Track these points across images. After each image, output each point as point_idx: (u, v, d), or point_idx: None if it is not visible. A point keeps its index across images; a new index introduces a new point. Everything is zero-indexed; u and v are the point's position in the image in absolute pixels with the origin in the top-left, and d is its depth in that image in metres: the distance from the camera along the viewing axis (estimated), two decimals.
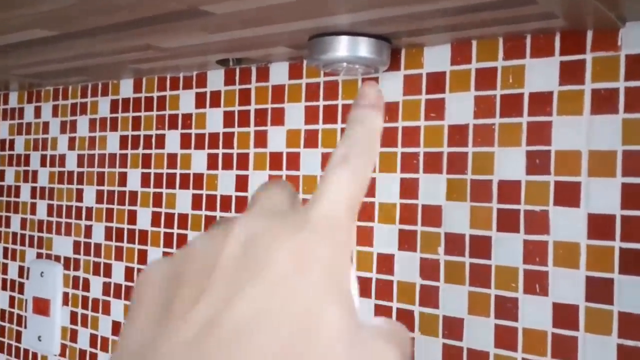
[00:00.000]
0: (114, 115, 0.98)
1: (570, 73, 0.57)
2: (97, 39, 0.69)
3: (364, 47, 0.62)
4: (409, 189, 0.67)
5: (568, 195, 0.57)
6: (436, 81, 0.66)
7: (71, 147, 1.04)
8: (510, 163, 0.61)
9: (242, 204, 0.81)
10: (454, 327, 0.64)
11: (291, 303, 0.18)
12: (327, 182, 0.22)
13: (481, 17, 0.55)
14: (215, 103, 0.85)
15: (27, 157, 1.11)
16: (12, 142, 1.14)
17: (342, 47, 0.62)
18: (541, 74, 0.59)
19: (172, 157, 0.89)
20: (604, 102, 0.56)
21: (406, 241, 0.67)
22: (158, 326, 0.19)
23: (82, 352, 0.99)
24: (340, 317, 0.19)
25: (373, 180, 0.69)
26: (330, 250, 0.20)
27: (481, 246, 0.62)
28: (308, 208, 0.21)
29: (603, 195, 0.55)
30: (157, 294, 0.20)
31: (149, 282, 0.21)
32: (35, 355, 1.07)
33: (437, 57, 0.66)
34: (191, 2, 0.53)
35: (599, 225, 0.56)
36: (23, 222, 1.11)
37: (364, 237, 0.70)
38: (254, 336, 0.17)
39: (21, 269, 1.11)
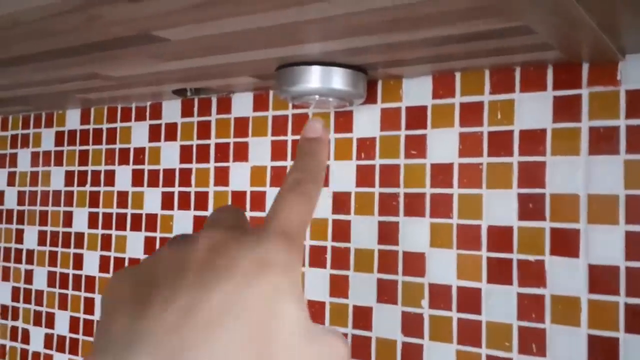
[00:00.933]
0: (59, 148, 0.89)
1: (565, 109, 0.52)
2: (36, 66, 0.61)
3: (337, 79, 0.56)
4: (388, 233, 0.61)
5: (566, 244, 0.52)
6: (417, 116, 0.60)
7: (11, 183, 0.94)
8: (500, 207, 0.55)
9: None
10: None
11: (255, 298, 0.21)
12: (281, 203, 0.25)
13: (467, 48, 0.49)
14: (171, 136, 0.77)
15: None
16: None
17: (314, 78, 0.55)
18: (533, 109, 0.54)
19: (122, 196, 0.81)
20: (603, 142, 0.51)
21: (385, 292, 0.60)
22: (138, 319, 0.21)
23: None
24: (296, 312, 0.21)
25: (347, 224, 0.63)
26: (286, 259, 0.22)
27: (470, 299, 0.56)
28: (265, 224, 0.24)
29: (605, 244, 0.50)
30: (130, 296, 0.22)
31: (120, 287, 0.23)
32: None
33: (417, 90, 0.60)
34: (141, 27, 0.46)
35: (601, 278, 0.50)
36: None
37: (337, 284, 0.63)
38: (224, 323, 0.20)
39: None
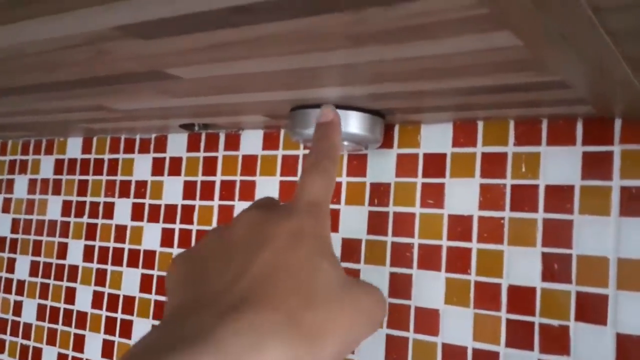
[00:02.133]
0: (58, 176, 0.86)
1: (595, 165, 0.49)
2: (40, 96, 0.59)
3: (354, 123, 0.53)
4: (400, 286, 0.57)
5: (593, 310, 0.48)
6: (435, 163, 0.57)
7: (5, 209, 0.91)
8: (522, 265, 0.52)
9: None
10: None
11: (295, 259, 0.25)
12: (304, 180, 0.29)
13: (494, 99, 0.47)
14: (175, 171, 0.74)
15: None
16: None
17: None
18: (560, 164, 0.51)
19: (120, 230, 0.78)
20: (635, 203, 0.48)
21: (395, 350, 0.57)
22: (201, 286, 0.25)
23: None
24: (330, 266, 0.25)
25: (357, 273, 0.59)
26: (315, 226, 0.26)
27: None
28: (294, 199, 0.28)
29: (635, 312, 0.47)
30: (187, 273, 0.27)
31: (177, 269, 0.27)
32: None
33: (436, 136, 0.57)
34: (153, 64, 0.43)
35: (631, 349, 0.47)
36: None
37: None
38: (272, 281, 0.24)
39: None
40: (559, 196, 0.51)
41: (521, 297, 0.51)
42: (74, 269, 0.81)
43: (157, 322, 0.73)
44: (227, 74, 0.44)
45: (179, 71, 0.45)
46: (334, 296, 0.25)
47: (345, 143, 0.55)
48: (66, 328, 0.81)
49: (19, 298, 0.86)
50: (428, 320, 0.55)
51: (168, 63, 0.43)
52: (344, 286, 0.25)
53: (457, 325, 0.54)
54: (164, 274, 0.73)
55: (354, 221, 0.60)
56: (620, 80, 0.38)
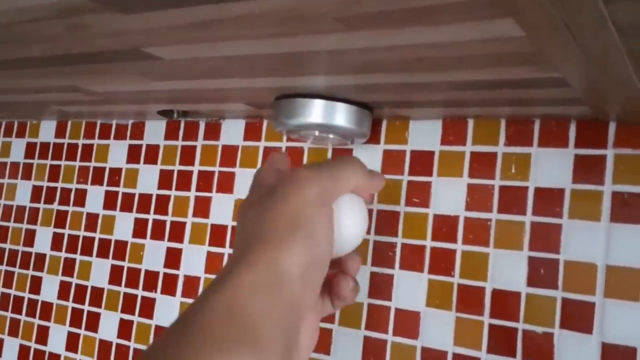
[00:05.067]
0: (29, 160, 0.82)
1: (587, 169, 0.48)
2: (11, 73, 0.55)
3: (341, 115, 0.51)
4: (381, 286, 0.55)
5: (579, 318, 0.47)
6: (422, 161, 0.55)
7: None
8: (508, 269, 0.50)
9: (170, 284, 0.67)
10: None
11: (297, 205, 0.33)
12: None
13: (488, 95, 0.45)
14: (151, 159, 0.71)
15: None
16: None
17: (315, 113, 0.50)
18: (551, 166, 0.49)
19: (92, 218, 0.75)
20: (627, 209, 0.46)
21: (372, 353, 0.55)
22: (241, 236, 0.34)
23: None
24: (319, 205, 0.34)
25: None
26: (307, 178, 0.34)
27: None
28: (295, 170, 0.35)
29: (623, 322, 0.45)
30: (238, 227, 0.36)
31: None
32: None
33: (425, 133, 0.55)
34: (132, 42, 0.41)
35: (616, 359, 0.45)
36: None
37: (319, 338, 0.57)
38: (274, 213, 0.33)
39: None
40: (549, 199, 0.49)
41: (505, 302, 0.50)
42: (41, 257, 0.78)
43: (125, 316, 0.70)
44: (209, 56, 0.42)
45: (159, 51, 0.42)
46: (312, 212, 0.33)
47: (331, 136, 0.53)
48: (30, 319, 0.77)
49: None
50: (408, 322, 0.54)
51: (148, 41, 0.40)
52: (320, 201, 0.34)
53: (438, 329, 0.52)
54: (134, 265, 0.70)
55: None
56: (621, 79, 0.37)
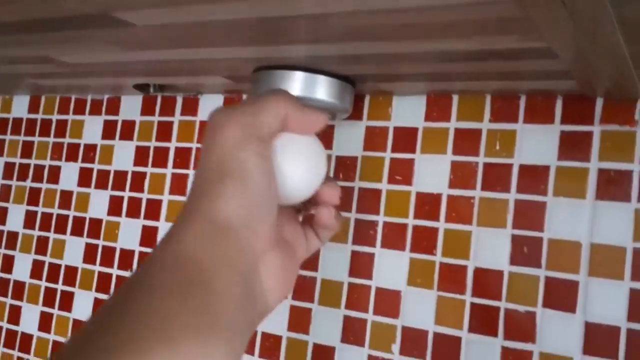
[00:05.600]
0: (1, 136, 0.80)
1: (573, 146, 0.47)
2: None
3: (322, 88, 0.49)
4: (361, 265, 0.54)
5: (562, 296, 0.46)
6: (405, 138, 0.54)
7: None
8: (491, 247, 0.49)
9: None
10: None
11: (221, 145, 0.33)
12: None
13: (474, 68, 0.44)
14: (127, 135, 0.69)
15: None
16: None
17: (296, 86, 0.49)
18: (536, 143, 0.48)
19: (66, 195, 0.72)
20: (613, 186, 0.45)
21: (352, 332, 0.54)
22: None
23: None
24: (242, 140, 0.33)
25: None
26: (228, 119, 0.33)
27: (447, 349, 0.50)
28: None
29: (606, 301, 0.45)
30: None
31: None
32: None
33: (408, 109, 0.54)
34: (102, 5, 0.39)
35: (599, 338, 0.45)
36: None
37: (298, 318, 0.56)
38: (203, 165, 0.33)
39: None
40: (533, 176, 0.48)
41: (487, 281, 0.49)
42: (13, 235, 0.76)
43: (100, 295, 0.68)
44: (183, 22, 0.40)
45: (130, 16, 0.40)
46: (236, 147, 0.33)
47: None
48: (1, 298, 0.75)
49: None
50: (389, 301, 0.53)
51: (119, 5, 0.38)
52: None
53: (419, 308, 0.51)
54: (110, 244, 0.68)
55: None
56: (610, 49, 0.36)
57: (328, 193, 0.38)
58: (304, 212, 0.41)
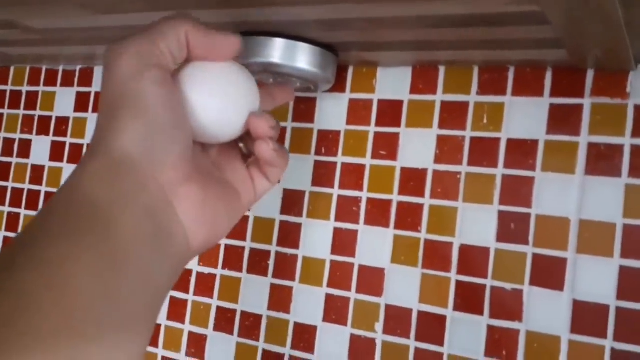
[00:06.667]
0: None
1: (563, 119, 0.45)
2: None
3: (304, 56, 0.47)
4: (344, 242, 0.52)
5: (549, 274, 0.45)
6: (390, 111, 0.52)
7: None
8: (477, 224, 0.48)
9: None
10: None
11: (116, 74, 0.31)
12: None
13: (461, 36, 0.42)
14: None
15: None
16: None
17: (276, 53, 0.46)
18: (525, 116, 0.47)
19: (37, 170, 0.70)
20: (603, 161, 0.44)
21: (334, 310, 0.52)
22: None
23: None
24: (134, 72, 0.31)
25: (298, 227, 0.54)
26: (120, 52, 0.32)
27: (432, 328, 0.48)
28: None
29: (594, 278, 0.44)
30: None
31: None
32: None
33: (393, 81, 0.52)
34: None
35: (587, 317, 0.43)
36: None
37: (278, 296, 0.54)
38: (101, 99, 0.32)
39: None
40: (522, 151, 0.47)
41: (473, 258, 0.47)
42: None
43: None
44: None
45: None
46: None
47: (293, 80, 0.49)
48: None
49: None
50: (372, 279, 0.51)
51: None
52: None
53: (403, 286, 0.50)
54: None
55: (297, 171, 0.55)
56: (605, 13, 0.34)
57: (255, 124, 0.35)
58: (247, 152, 0.39)
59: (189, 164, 0.32)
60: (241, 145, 0.39)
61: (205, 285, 0.58)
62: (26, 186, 0.70)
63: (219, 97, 0.34)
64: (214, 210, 0.34)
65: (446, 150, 0.49)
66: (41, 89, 0.71)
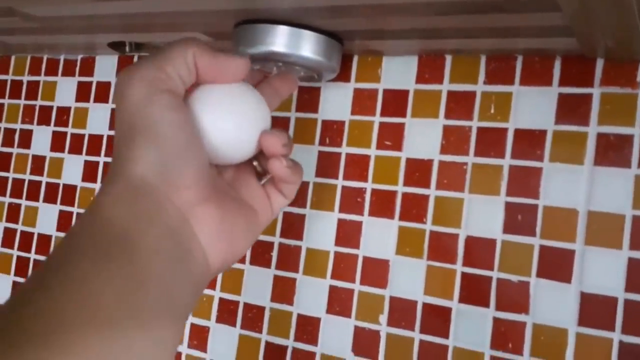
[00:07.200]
0: None
1: (572, 109, 0.45)
2: None
3: (308, 44, 0.46)
4: (349, 233, 0.52)
5: (557, 266, 0.44)
6: (395, 101, 0.51)
7: None
8: (483, 215, 0.47)
9: None
10: None
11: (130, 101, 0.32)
12: None
13: (468, 23, 0.41)
14: (102, 97, 0.66)
15: None
16: None
17: (279, 41, 0.46)
18: (533, 106, 0.46)
19: (38, 161, 0.69)
20: (612, 152, 0.43)
21: (338, 302, 0.52)
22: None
23: None
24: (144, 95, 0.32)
25: (302, 218, 0.54)
26: (131, 80, 0.32)
27: (437, 320, 0.48)
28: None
29: (603, 270, 0.43)
30: None
31: None
32: None
33: (399, 71, 0.51)
34: None
35: (595, 310, 0.43)
36: None
37: (282, 287, 0.54)
38: (117, 126, 0.33)
39: None
40: (529, 141, 0.46)
41: (479, 250, 0.47)
42: None
43: None
44: None
45: None
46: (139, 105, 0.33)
47: (297, 68, 0.49)
48: None
49: None
50: (376, 271, 0.50)
51: None
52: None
53: (408, 278, 0.49)
54: (84, 211, 0.65)
55: (301, 161, 0.54)
56: (619, 3, 0.33)
57: (268, 142, 0.36)
58: (261, 170, 0.40)
59: (205, 185, 0.33)
60: (255, 163, 0.39)
61: None
62: (27, 177, 0.70)
63: (231, 119, 0.34)
64: (231, 229, 0.34)
65: (452, 140, 0.49)
66: (42, 78, 0.70)
